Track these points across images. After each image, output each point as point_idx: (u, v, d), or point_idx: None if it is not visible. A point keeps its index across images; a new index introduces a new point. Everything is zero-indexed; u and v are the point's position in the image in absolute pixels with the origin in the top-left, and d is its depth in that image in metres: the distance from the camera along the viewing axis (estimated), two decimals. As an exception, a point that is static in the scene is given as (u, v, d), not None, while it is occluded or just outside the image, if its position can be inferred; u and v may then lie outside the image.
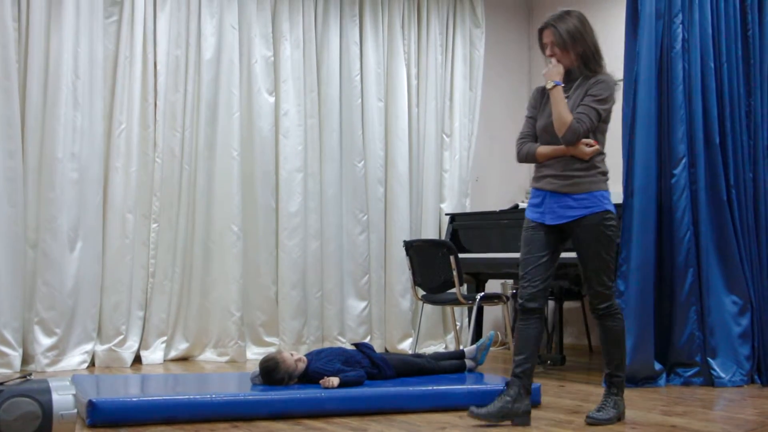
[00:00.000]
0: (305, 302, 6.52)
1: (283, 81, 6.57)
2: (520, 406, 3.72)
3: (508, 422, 3.69)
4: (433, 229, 7.06)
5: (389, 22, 7.06)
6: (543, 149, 3.85)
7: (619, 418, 3.82)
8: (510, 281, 6.98)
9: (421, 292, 5.90)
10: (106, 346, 5.86)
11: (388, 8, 7.05)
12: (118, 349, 5.86)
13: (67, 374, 5.04)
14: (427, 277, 5.75)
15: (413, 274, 5.85)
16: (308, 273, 6.57)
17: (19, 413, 2.97)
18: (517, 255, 5.66)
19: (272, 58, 6.55)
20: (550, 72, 3.80)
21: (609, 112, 3.82)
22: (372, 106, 6.91)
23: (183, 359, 6.15)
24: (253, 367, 5.65)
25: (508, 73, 7.78)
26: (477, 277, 6.28)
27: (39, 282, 5.66)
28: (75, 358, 5.70)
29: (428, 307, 6.41)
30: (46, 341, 5.63)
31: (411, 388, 4.21)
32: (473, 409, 3.70)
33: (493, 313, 7.17)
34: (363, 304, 6.78)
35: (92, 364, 5.80)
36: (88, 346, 5.79)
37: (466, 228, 6.38)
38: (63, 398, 3.08)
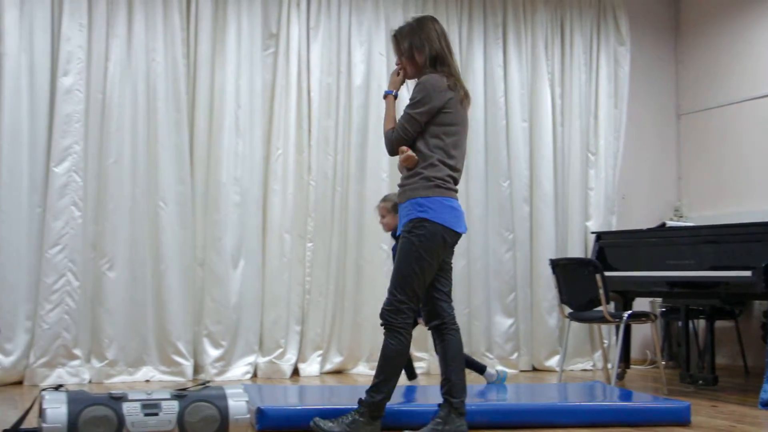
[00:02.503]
0: (453, 319, 6.69)
1: (430, 104, 6.80)
2: (452, 427, 3.62)
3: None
4: (579, 248, 7.12)
5: (533, 43, 7.20)
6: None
7: None
8: (659, 299, 6.94)
9: (567, 310, 5.96)
10: (267, 359, 6.25)
11: (532, 30, 7.19)
12: (278, 362, 6.24)
13: (233, 384, 5.40)
14: (573, 295, 5.81)
15: (559, 292, 5.92)
16: (456, 290, 6.65)
17: (200, 416, 3.30)
18: (666, 273, 5.73)
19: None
20: (389, 81, 3.80)
21: (430, 114, 3.56)
22: (516, 126, 7.06)
23: (337, 372, 6.46)
24: (403, 381, 5.87)
25: (655, 90, 7.74)
26: (624, 295, 6.28)
27: (207, 298, 6.12)
28: (239, 369, 6.12)
29: (575, 324, 6.46)
30: (214, 353, 6.07)
31: (555, 403, 4.30)
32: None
33: (642, 331, 7.14)
34: (510, 321, 6.90)
35: (255, 375, 6.20)
36: (251, 358, 6.19)
37: (613, 246, 6.39)
38: (237, 404, 3.39)
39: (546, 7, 7.25)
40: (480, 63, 7.02)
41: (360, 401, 3.60)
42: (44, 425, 3.09)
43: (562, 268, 5.89)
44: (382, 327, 3.61)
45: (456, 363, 3.65)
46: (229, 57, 6.28)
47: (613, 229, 7.09)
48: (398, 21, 6.73)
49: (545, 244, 7.01)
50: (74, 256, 5.80)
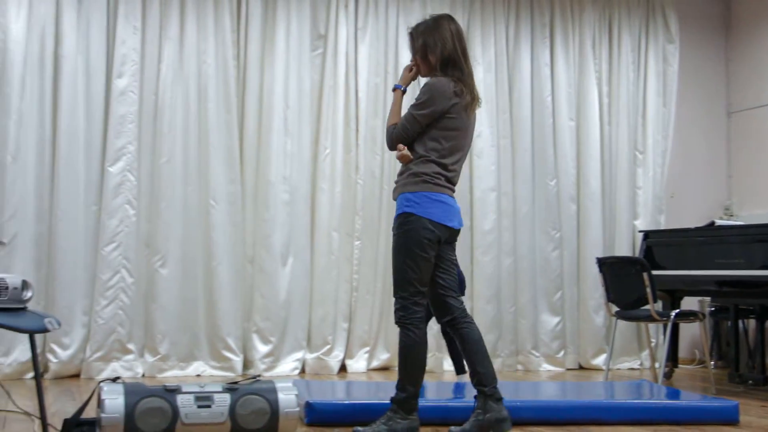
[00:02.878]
0: (499, 316, 6.74)
1: (477, 104, 6.85)
2: (494, 415, 3.60)
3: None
4: (626, 246, 7.10)
5: (580, 42, 7.19)
6: None
7: None
8: (708, 299, 6.88)
9: (614, 309, 5.95)
10: (314, 355, 6.34)
11: (579, 28, 7.19)
12: (325, 358, 6.32)
13: (282, 379, 5.50)
14: (620, 294, 5.80)
15: (606, 290, 5.91)
16: (502, 288, 6.78)
17: (251, 409, 3.38)
18: (715, 272, 5.69)
19: (466, 83, 6.85)
20: (401, 75, 3.81)
21: (432, 117, 3.59)
22: (563, 125, 7.06)
23: (384, 369, 6.52)
24: (450, 378, 5.93)
25: (704, 88, 7.69)
26: (672, 294, 6.26)
27: (256, 294, 6.22)
28: (288, 365, 6.22)
29: (622, 323, 6.44)
30: (263, 348, 6.18)
31: (607, 401, 4.32)
32: (452, 428, 3.67)
33: (690, 331, 7.10)
34: (556, 320, 6.91)
35: (302, 370, 6.29)
36: (299, 354, 6.29)
37: (661, 245, 6.36)
38: (287, 398, 3.47)
39: (594, 6, 7.24)
40: (527, 62, 7.03)
41: (391, 399, 3.66)
42: (103, 415, 3.20)
43: (609, 266, 5.88)
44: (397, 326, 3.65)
45: (478, 354, 3.66)
46: (278, 58, 6.38)
47: (662, 227, 7.05)
48: (445, 21, 6.79)
49: (592, 243, 7.01)
50: (128, 254, 5.95)
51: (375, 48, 6.67)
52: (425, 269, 3.60)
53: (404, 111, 3.74)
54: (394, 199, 3.70)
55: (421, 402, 3.73)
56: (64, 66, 5.93)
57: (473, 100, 3.68)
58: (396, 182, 3.72)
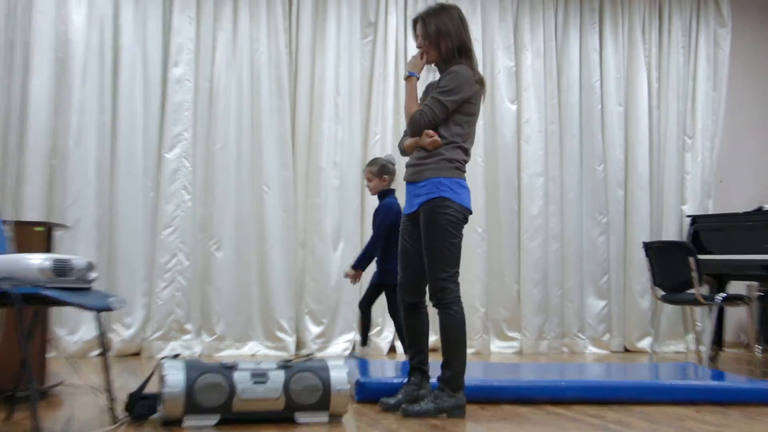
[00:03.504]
0: (546, 300, 6.81)
1: (525, 89, 6.92)
2: (425, 391, 3.83)
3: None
4: (674, 231, 7.11)
5: (629, 27, 7.20)
6: (407, 142, 3.84)
7: (439, 413, 3.67)
8: (755, 283, 6.86)
9: (660, 292, 5.98)
10: (364, 336, 6.48)
11: (629, 13, 7.20)
12: (375, 339, 6.46)
13: (334, 358, 5.64)
14: (666, 278, 5.83)
15: (652, 274, 5.93)
16: (549, 272, 6.85)
17: (304, 385, 3.51)
18: (762, 256, 5.69)
19: (514, 68, 6.92)
20: (410, 63, 3.81)
21: (459, 103, 3.68)
22: (612, 110, 7.09)
23: (432, 350, 6.60)
24: (498, 359, 6.02)
25: (757, 72, 7.64)
26: (719, 279, 6.26)
27: (308, 277, 6.38)
28: (339, 346, 6.38)
29: (668, 307, 6.47)
30: (315, 329, 6.34)
31: (651, 381, 4.37)
32: (383, 400, 3.86)
33: (737, 315, 7.09)
34: (603, 303, 6.96)
35: (353, 351, 6.42)
36: (350, 335, 6.44)
37: (708, 229, 6.36)
38: (339, 375, 3.58)
39: (643, -10, 7.25)
40: (575, 48, 7.07)
41: (438, 379, 3.76)
42: (164, 390, 3.35)
43: (655, 250, 5.91)
44: (435, 306, 3.73)
45: (426, 336, 3.94)
46: (329, 45, 6.51)
47: (710, 212, 7.03)
48: (494, 9, 6.87)
49: (639, 228, 7.04)
50: (185, 237, 6.15)
51: (424, 35, 6.74)
52: (459, 250, 3.73)
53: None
54: (414, 181, 3.76)
55: (468, 382, 3.84)
56: (123, 56, 6.14)
57: (484, 87, 3.82)
58: (418, 164, 3.76)
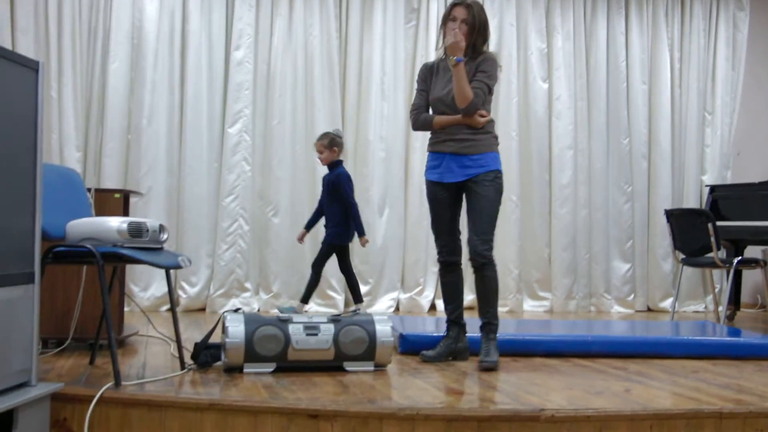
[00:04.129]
0: (575, 262, 6.73)
1: (556, 69, 6.79)
2: (462, 345, 3.90)
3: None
4: (694, 199, 6.97)
5: (653, 12, 7.02)
6: (440, 118, 3.78)
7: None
8: (770, 248, 6.72)
9: (681, 256, 5.89)
10: (408, 295, 6.48)
11: (653, -2, 7.02)
12: (417, 298, 6.45)
13: (379, 313, 5.65)
14: (686, 242, 5.73)
15: (674, 239, 5.85)
16: (578, 237, 6.77)
17: (352, 338, 3.51)
18: (777, 223, 5.55)
19: (546, 50, 6.79)
20: (455, 48, 3.62)
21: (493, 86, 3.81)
22: (636, 88, 6.94)
23: (469, 308, 6.58)
24: (530, 317, 5.98)
25: (772, 52, 7.41)
26: (736, 244, 6.14)
27: (356, 241, 6.34)
28: (384, 304, 6.38)
29: (688, 269, 6.36)
30: (362, 288, 6.30)
31: (671, 337, 4.31)
32: (424, 353, 3.87)
33: (753, 278, 6.95)
34: (627, 266, 6.86)
35: (397, 309, 6.44)
36: (394, 294, 6.43)
37: (726, 198, 6.23)
38: (383, 328, 3.58)
39: (667, -24, 7.05)
40: (603, 31, 6.91)
41: (490, 328, 3.75)
42: (227, 340, 3.38)
43: (676, 217, 5.81)
44: (479, 265, 3.71)
45: (462, 294, 4.00)
46: (375, 30, 6.45)
47: (728, 183, 6.88)
48: (527, -7, 6.72)
49: (662, 197, 6.91)
50: (245, 204, 6.18)
51: (462, 19, 6.64)
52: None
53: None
54: (467, 153, 3.73)
55: (502, 336, 3.79)
56: (190, 41, 6.15)
57: None
58: (473, 139, 3.72)
